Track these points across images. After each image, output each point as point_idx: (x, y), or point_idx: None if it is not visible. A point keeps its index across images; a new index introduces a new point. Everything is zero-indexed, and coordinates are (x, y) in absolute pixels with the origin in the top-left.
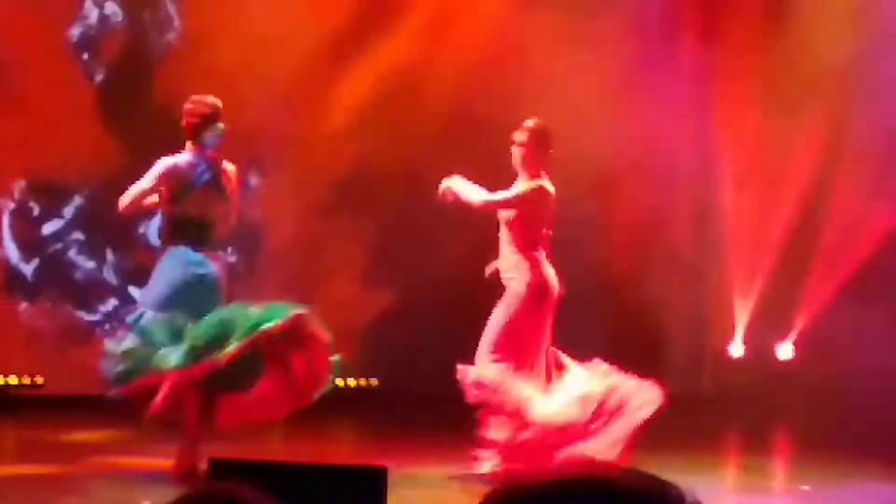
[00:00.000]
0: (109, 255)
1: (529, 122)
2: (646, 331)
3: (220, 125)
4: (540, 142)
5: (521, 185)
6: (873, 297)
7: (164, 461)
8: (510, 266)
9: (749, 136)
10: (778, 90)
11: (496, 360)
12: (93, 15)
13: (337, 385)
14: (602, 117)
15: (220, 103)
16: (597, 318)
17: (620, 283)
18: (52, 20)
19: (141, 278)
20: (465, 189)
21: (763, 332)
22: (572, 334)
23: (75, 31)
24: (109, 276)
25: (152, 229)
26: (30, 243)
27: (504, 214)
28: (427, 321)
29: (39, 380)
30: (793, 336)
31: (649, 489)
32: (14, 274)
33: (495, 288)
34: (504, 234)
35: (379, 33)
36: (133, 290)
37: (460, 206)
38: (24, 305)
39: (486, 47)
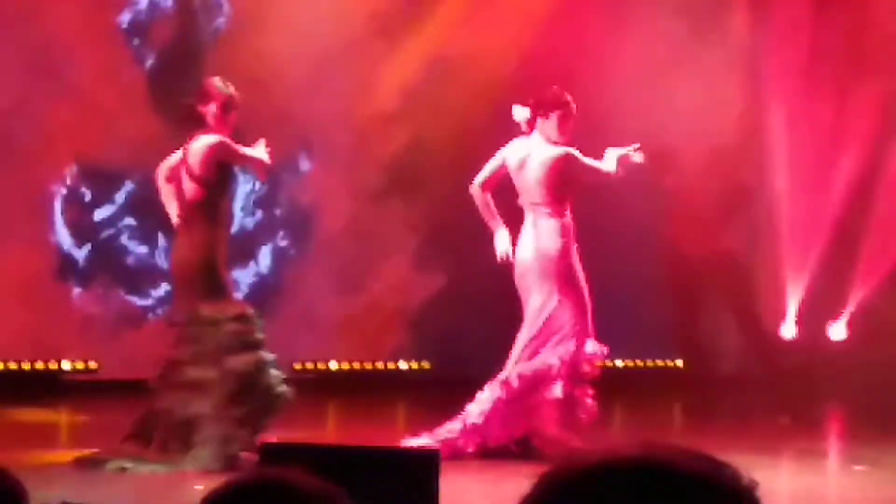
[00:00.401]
0: (161, 241)
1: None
2: (699, 312)
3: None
4: (570, 106)
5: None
6: None
7: None
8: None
9: (800, 114)
10: (830, 66)
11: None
12: (143, 1)
13: (390, 368)
14: (649, 97)
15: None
16: (651, 298)
17: (675, 265)
18: (103, 6)
19: None
20: (591, 162)
21: (816, 313)
22: (626, 313)
23: (126, 17)
24: (161, 261)
25: None
26: (82, 229)
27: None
28: (479, 304)
29: (93, 365)
30: (845, 316)
31: (706, 470)
32: (67, 259)
33: None
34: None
35: (427, 13)
36: None
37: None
38: (77, 291)
39: (536, 27)
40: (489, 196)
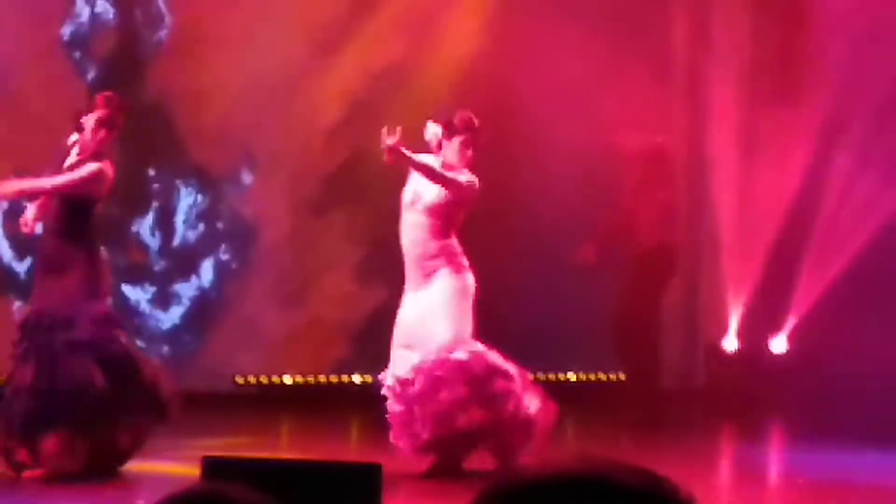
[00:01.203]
0: (102, 254)
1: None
2: (640, 325)
3: None
4: (476, 133)
5: (466, 176)
6: (867, 290)
7: (159, 462)
8: (434, 252)
9: (739, 127)
10: (769, 79)
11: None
12: (84, 13)
13: (334, 382)
14: (587, 106)
15: None
16: (589, 311)
17: (615, 280)
18: (44, 18)
19: (134, 276)
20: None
21: (757, 325)
22: (567, 325)
23: (67, 30)
24: None
25: (145, 228)
26: (22, 242)
27: (436, 197)
28: None
29: None
30: (787, 329)
31: (643, 484)
32: (7, 273)
33: (490, 280)
34: (421, 221)
35: (369, 26)
36: (126, 289)
37: (398, 168)
38: (17, 304)
39: (477, 36)
40: None
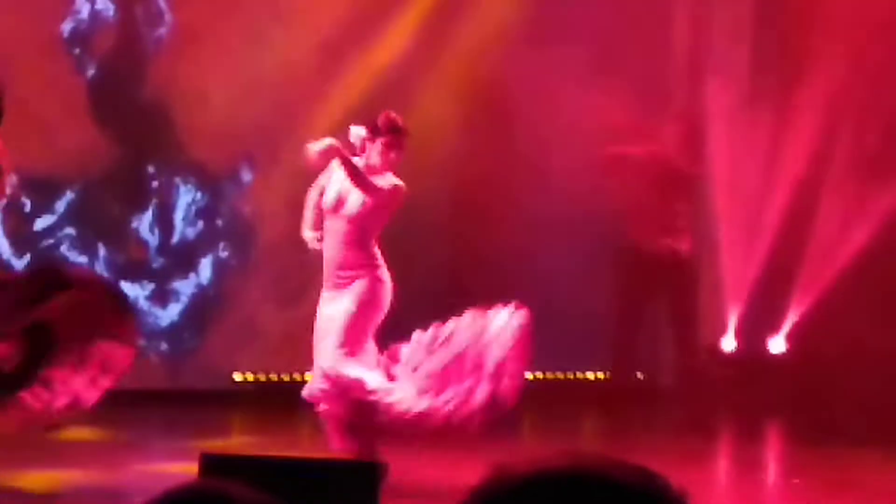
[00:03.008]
0: (101, 251)
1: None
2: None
3: None
4: (401, 135)
5: (391, 180)
6: (866, 289)
7: (157, 459)
8: (351, 263)
9: (740, 122)
10: (772, 73)
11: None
12: (84, 10)
13: None
14: (587, 111)
15: None
16: (588, 310)
17: (614, 277)
18: (44, 15)
19: (133, 273)
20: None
21: (755, 325)
22: (567, 322)
23: (67, 27)
24: (101, 271)
25: (144, 224)
26: (21, 238)
27: (358, 206)
28: (422, 313)
29: None
30: (785, 329)
31: (636, 480)
32: (6, 269)
33: (489, 275)
34: (341, 227)
35: (374, 27)
36: (125, 285)
37: (321, 168)
38: None
39: (482, 39)
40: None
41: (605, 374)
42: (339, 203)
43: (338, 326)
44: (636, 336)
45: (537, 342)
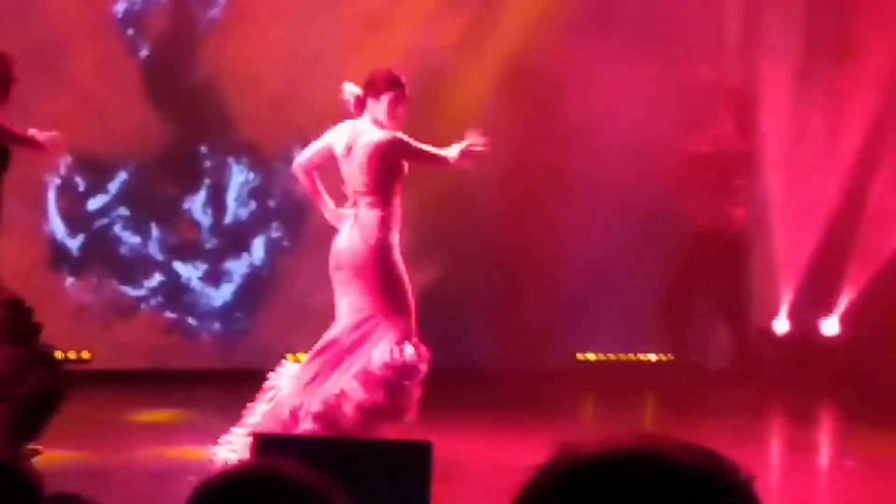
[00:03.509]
0: (154, 231)
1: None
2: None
3: None
4: (403, 89)
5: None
6: None
7: (210, 441)
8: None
9: (793, 108)
10: (825, 53)
11: None
12: None
13: None
14: (635, 94)
15: None
16: (641, 292)
17: (667, 260)
18: None
19: (185, 253)
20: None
21: (808, 307)
22: (620, 308)
23: (120, 7)
24: (154, 251)
25: (197, 205)
26: (76, 219)
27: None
28: (476, 296)
29: (86, 355)
30: (838, 311)
31: (703, 462)
32: (60, 249)
33: (541, 263)
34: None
35: (422, 7)
36: (177, 265)
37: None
38: (70, 280)
39: (527, 23)
40: (315, 175)
41: (664, 356)
42: (348, 151)
43: None
44: (688, 317)
45: (595, 324)
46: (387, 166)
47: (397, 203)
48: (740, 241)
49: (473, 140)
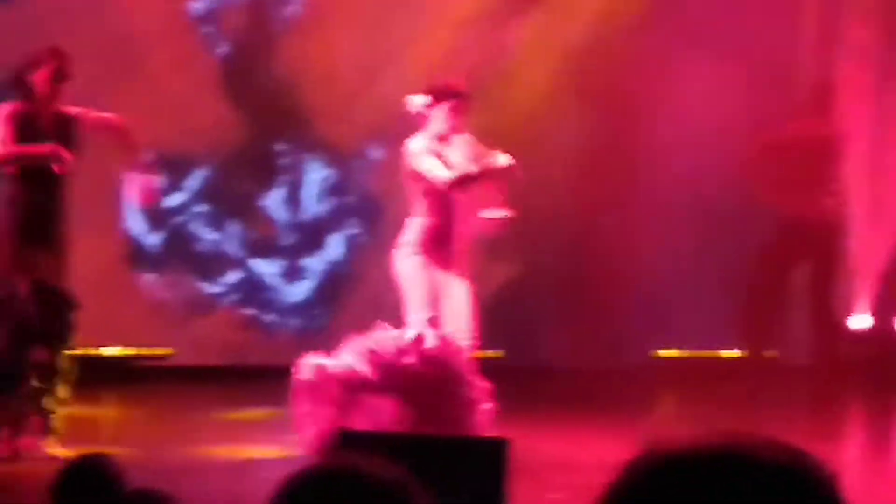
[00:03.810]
0: (232, 228)
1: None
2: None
3: None
4: (465, 99)
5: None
6: None
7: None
8: None
9: (873, 102)
10: None
11: None
12: None
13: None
14: (718, 88)
15: None
16: (717, 288)
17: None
18: None
19: (263, 250)
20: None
21: (889, 302)
22: (696, 304)
23: (199, 5)
24: (232, 248)
25: (274, 202)
26: (154, 216)
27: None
28: (552, 292)
29: (167, 351)
30: None
31: (792, 460)
32: (139, 246)
33: (617, 259)
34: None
35: (497, 6)
36: (255, 262)
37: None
38: (148, 277)
39: (599, 25)
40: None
41: (739, 352)
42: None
43: None
44: (772, 311)
45: (672, 320)
46: (408, 173)
47: (429, 215)
48: (832, 231)
49: (499, 160)
